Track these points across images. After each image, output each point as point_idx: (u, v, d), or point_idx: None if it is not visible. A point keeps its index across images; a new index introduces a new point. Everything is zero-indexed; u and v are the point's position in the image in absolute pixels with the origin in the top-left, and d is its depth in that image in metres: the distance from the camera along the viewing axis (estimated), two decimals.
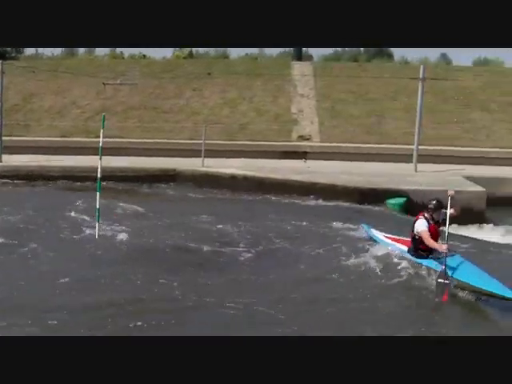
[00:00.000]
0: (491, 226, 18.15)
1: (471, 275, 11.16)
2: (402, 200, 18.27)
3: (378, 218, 17.15)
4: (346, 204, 18.51)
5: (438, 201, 12.20)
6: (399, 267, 12.41)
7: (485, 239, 16.74)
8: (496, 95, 28.85)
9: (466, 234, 17.04)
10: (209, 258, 13.25)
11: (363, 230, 15.00)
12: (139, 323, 9.34)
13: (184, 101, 28.70)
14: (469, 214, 18.04)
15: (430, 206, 12.13)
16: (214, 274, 12.20)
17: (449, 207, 12.14)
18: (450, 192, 12.39)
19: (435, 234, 12.10)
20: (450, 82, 28.75)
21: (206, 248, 13.75)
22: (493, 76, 31.33)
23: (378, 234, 14.26)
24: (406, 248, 12.73)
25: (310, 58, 42.37)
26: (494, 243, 16.30)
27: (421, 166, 21.53)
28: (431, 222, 12.04)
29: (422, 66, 22.67)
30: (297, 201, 19.07)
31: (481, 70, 33.91)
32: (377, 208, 18.26)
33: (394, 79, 28.51)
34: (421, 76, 22.11)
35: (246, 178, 20.52)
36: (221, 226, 15.67)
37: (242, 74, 30.44)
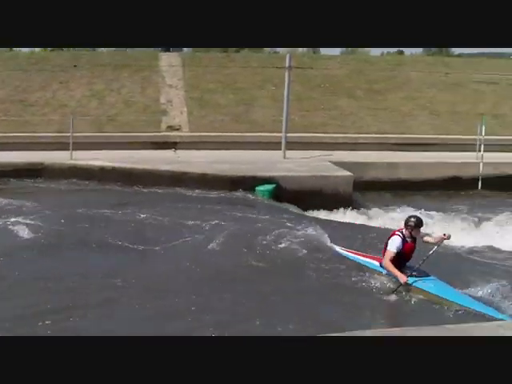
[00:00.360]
0: (358, 209, 18.55)
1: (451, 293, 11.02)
2: (271, 187, 18.43)
3: (249, 206, 17.27)
4: (218, 193, 18.51)
5: (418, 218, 11.73)
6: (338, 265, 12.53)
7: (352, 222, 17.16)
8: (362, 83, 29.52)
9: (334, 218, 17.43)
10: (111, 249, 13.17)
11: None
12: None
13: (51, 93, 28.04)
14: (337, 199, 18.46)
15: (409, 223, 11.55)
16: (126, 267, 12.15)
17: (436, 247, 11.63)
18: (448, 235, 11.70)
19: (411, 252, 11.67)
20: (317, 71, 29.24)
21: (102, 238, 13.73)
22: (359, 64, 32.02)
23: (343, 251, 13.31)
24: (376, 263, 12.12)
25: (179, 49, 42.14)
26: (360, 226, 16.73)
27: (290, 153, 21.78)
28: (408, 239, 11.55)
29: (287, 55, 22.93)
30: (170, 191, 18.93)
31: (348, 59, 34.58)
32: (247, 195, 18.34)
33: (261, 69, 28.82)
34: (287, 65, 22.38)
35: (115, 170, 20.23)
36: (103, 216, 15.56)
37: (110, 66, 30.05)
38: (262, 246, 13.31)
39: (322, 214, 17.86)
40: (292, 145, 22.20)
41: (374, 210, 18.58)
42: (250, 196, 18.28)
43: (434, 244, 11.72)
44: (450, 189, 21.96)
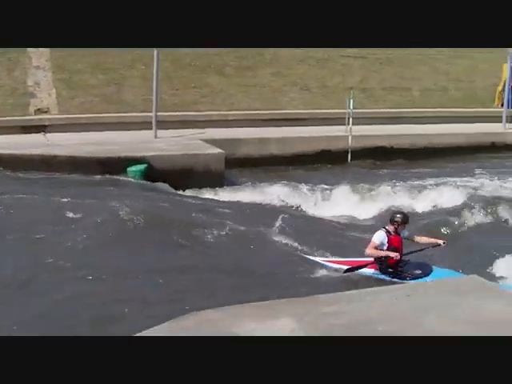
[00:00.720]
0: (231, 186, 18.66)
1: None
2: (142, 167, 18.27)
3: (121, 187, 17.15)
4: (89, 175, 18.23)
5: (404, 215, 11.82)
6: None
7: (224, 200, 17.28)
8: (231, 59, 29.50)
9: (207, 196, 17.50)
10: None
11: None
12: None
13: None
14: (209, 176, 18.52)
15: (396, 219, 11.62)
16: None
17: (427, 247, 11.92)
18: (446, 243, 11.96)
19: (400, 245, 11.67)
20: (187, 49, 29.03)
21: None
22: None
23: (319, 260, 12.60)
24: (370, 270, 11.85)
25: None
26: (232, 202, 16.87)
27: (161, 133, 21.56)
28: (393, 233, 11.56)
29: None
30: (42, 175, 18.46)
31: None
32: (119, 177, 18.14)
33: (130, 48, 28.39)
34: None
35: None
36: None
37: None
38: (140, 226, 13.36)
39: (195, 192, 17.89)
40: (163, 124, 22.00)
41: (247, 186, 18.76)
42: (122, 177, 18.08)
43: (427, 244, 11.99)
44: (322, 162, 22.44)
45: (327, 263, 12.29)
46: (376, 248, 11.49)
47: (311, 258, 12.62)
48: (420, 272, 11.41)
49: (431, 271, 11.44)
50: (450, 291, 7.12)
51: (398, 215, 11.74)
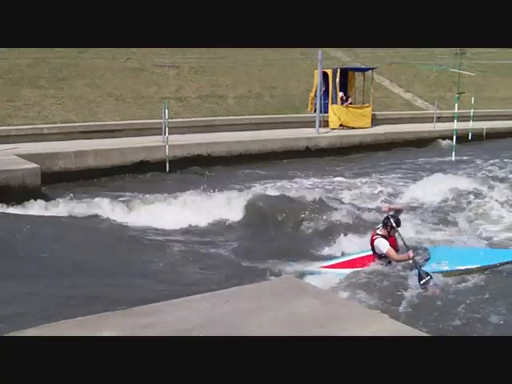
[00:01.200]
0: (48, 201, 18.33)
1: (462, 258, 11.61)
2: None
3: None
4: None
5: (397, 218, 12.00)
6: None
7: (42, 215, 16.97)
8: (45, 71, 29.06)
9: (23, 213, 17.12)
10: None
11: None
12: None
13: None
14: (25, 192, 18.13)
15: (389, 223, 11.87)
16: None
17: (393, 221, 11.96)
18: (385, 208, 12.38)
19: (395, 245, 11.93)
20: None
21: None
22: (41, 52, 31.37)
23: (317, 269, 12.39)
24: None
25: None
26: (51, 217, 16.63)
27: None
28: (388, 236, 11.84)
29: None
30: None
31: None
32: None
33: None
34: None
35: None
36: None
37: None
38: None
39: (11, 209, 17.44)
40: None
41: (65, 200, 18.47)
42: None
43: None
44: (141, 173, 22.47)
45: (327, 269, 12.31)
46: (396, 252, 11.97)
47: (305, 269, 12.50)
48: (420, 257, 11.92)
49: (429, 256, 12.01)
50: (268, 293, 7.35)
51: (392, 219, 12.07)
